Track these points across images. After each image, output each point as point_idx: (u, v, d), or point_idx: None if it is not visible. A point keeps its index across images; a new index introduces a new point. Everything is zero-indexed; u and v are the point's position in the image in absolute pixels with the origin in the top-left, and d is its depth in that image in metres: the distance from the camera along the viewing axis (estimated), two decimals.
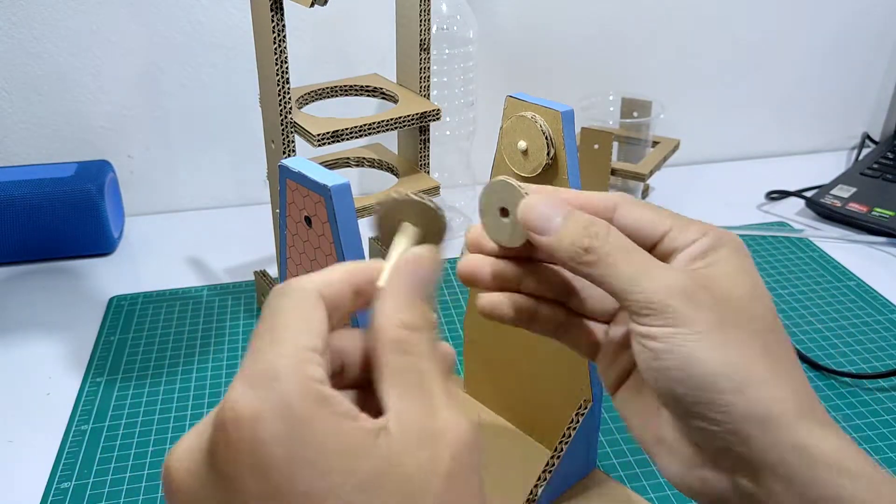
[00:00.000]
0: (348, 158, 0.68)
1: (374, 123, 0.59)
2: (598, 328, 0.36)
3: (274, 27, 0.53)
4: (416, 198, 0.31)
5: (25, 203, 0.77)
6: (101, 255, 0.82)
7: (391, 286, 0.28)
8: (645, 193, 0.96)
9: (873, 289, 0.76)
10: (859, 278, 0.78)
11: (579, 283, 0.36)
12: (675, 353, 0.30)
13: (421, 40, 0.61)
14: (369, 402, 0.26)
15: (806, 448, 0.28)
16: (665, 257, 0.33)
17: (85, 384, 0.64)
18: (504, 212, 0.34)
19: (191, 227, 0.89)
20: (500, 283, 0.35)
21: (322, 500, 0.22)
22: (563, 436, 0.49)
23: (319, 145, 0.57)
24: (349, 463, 0.23)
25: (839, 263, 0.81)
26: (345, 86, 0.65)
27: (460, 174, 0.88)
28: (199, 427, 0.25)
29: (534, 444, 0.55)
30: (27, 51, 0.82)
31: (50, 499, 0.53)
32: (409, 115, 0.60)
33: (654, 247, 0.33)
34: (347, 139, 0.58)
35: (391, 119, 0.59)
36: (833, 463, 0.28)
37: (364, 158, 0.68)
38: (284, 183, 0.36)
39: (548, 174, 0.45)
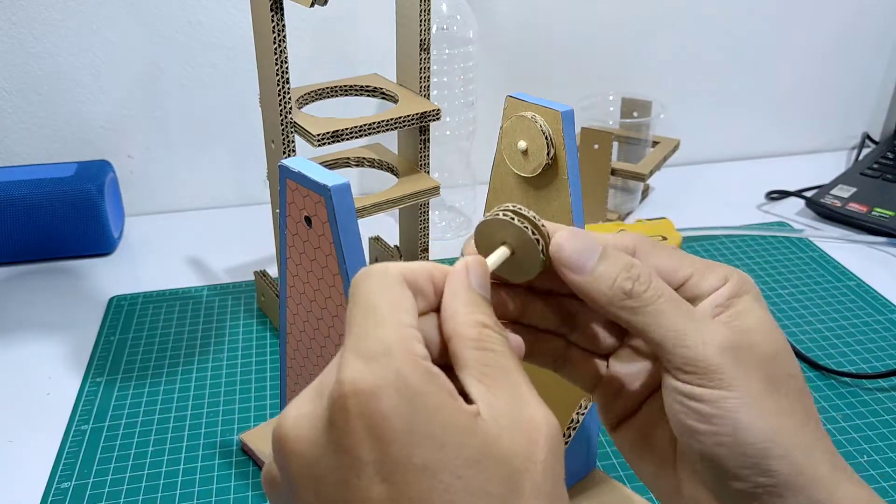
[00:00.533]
0: (348, 158, 0.68)
1: (374, 123, 0.59)
2: (598, 362, 0.35)
3: (274, 27, 0.53)
4: (522, 227, 0.30)
5: (25, 203, 0.77)
6: (101, 255, 0.82)
7: (454, 286, 0.28)
8: (645, 193, 0.96)
9: (873, 289, 0.76)
10: (859, 278, 0.78)
11: (584, 316, 0.34)
12: (725, 420, 0.29)
13: (421, 40, 0.60)
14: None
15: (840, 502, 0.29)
16: (690, 302, 0.31)
17: (85, 384, 0.64)
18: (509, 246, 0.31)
19: (191, 227, 0.89)
20: (499, 314, 0.32)
21: (436, 473, 0.23)
22: (563, 435, 0.49)
23: (319, 145, 0.57)
24: (460, 438, 0.24)
25: (839, 263, 0.81)
26: (345, 86, 0.65)
27: (460, 174, 0.88)
28: (310, 395, 0.26)
29: None
30: (27, 51, 0.82)
31: (50, 499, 0.53)
32: (409, 115, 0.60)
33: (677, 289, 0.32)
34: (347, 139, 0.58)
35: (391, 119, 0.60)
36: None
37: (364, 158, 0.68)
38: (284, 183, 0.36)
39: (548, 174, 0.45)
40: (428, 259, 0.70)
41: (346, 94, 0.66)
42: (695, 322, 0.30)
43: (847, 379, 0.64)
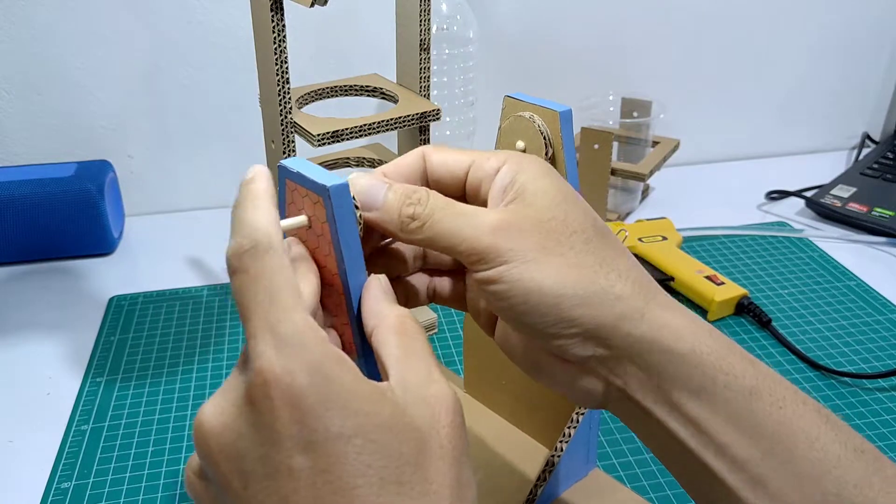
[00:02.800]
0: (348, 158, 0.68)
1: (374, 123, 0.59)
2: (457, 282, 0.39)
3: (274, 27, 0.53)
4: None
5: (25, 203, 0.77)
6: (101, 255, 0.82)
7: (381, 292, 0.33)
8: (645, 193, 0.96)
9: (873, 289, 0.76)
10: (859, 278, 0.78)
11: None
12: (512, 289, 0.32)
13: (421, 40, 0.60)
14: None
15: (655, 338, 0.32)
16: (476, 192, 0.35)
17: (85, 384, 0.64)
18: None
19: (191, 227, 0.89)
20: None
21: (350, 438, 0.26)
22: (563, 435, 0.49)
23: (319, 145, 0.57)
24: (371, 407, 0.27)
25: (839, 263, 0.81)
26: (345, 86, 0.65)
27: None
28: (224, 388, 0.28)
29: (533, 444, 0.55)
30: (27, 51, 0.82)
31: (50, 499, 0.53)
32: (409, 115, 0.60)
33: (464, 185, 0.36)
34: (347, 139, 0.58)
35: (391, 119, 0.60)
36: (678, 334, 0.32)
37: (364, 158, 0.68)
38: (283, 183, 0.36)
39: None
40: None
41: (346, 94, 0.66)
42: (466, 217, 0.33)
43: (847, 379, 0.64)
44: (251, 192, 0.31)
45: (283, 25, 0.53)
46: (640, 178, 0.87)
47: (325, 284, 0.37)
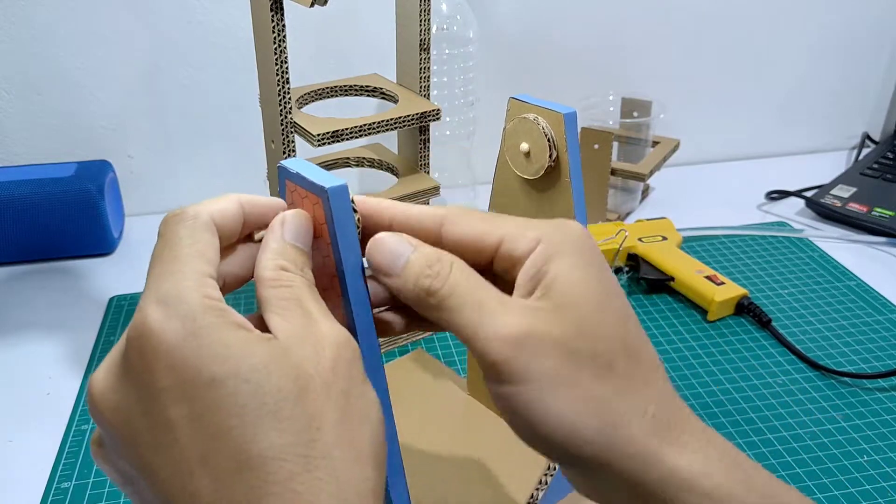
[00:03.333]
0: (348, 158, 0.68)
1: (374, 123, 0.59)
2: None
3: (274, 27, 0.53)
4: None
5: (25, 203, 0.77)
6: (101, 255, 0.82)
7: (267, 239, 0.31)
8: (645, 193, 0.96)
9: (873, 289, 0.76)
10: (859, 278, 0.78)
11: None
12: (523, 412, 0.29)
13: (421, 40, 0.60)
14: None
15: (665, 485, 0.28)
16: (510, 269, 0.31)
17: (85, 384, 0.64)
18: None
19: None
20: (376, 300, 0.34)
21: (223, 381, 0.26)
22: None
23: (319, 145, 0.57)
24: (246, 349, 0.26)
25: (839, 263, 0.81)
26: (345, 86, 0.65)
27: (460, 174, 0.88)
28: (112, 352, 0.28)
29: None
30: (27, 51, 0.82)
31: (50, 499, 0.53)
32: (409, 115, 0.60)
33: (492, 260, 0.31)
34: (347, 139, 0.58)
35: (391, 119, 0.60)
36: (690, 483, 0.28)
37: (364, 158, 0.68)
38: (283, 184, 0.36)
39: (550, 176, 0.45)
40: None
41: (346, 94, 0.66)
42: (485, 314, 0.29)
43: (847, 379, 0.64)
44: (222, 197, 0.33)
45: (283, 25, 0.53)
46: (640, 178, 0.87)
47: (324, 286, 0.37)
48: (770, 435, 0.58)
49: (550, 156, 0.44)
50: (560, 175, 0.45)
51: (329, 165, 0.68)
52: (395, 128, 0.60)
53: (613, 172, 0.87)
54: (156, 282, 0.28)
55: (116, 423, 0.27)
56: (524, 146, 0.45)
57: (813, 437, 0.58)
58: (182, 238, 0.30)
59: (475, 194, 0.90)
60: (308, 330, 0.28)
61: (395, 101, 0.63)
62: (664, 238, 0.79)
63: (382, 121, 0.59)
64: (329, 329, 0.29)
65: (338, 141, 0.58)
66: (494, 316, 0.29)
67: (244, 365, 0.26)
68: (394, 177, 0.66)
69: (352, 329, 0.36)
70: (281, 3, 0.52)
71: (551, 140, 0.44)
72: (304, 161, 0.36)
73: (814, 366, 0.65)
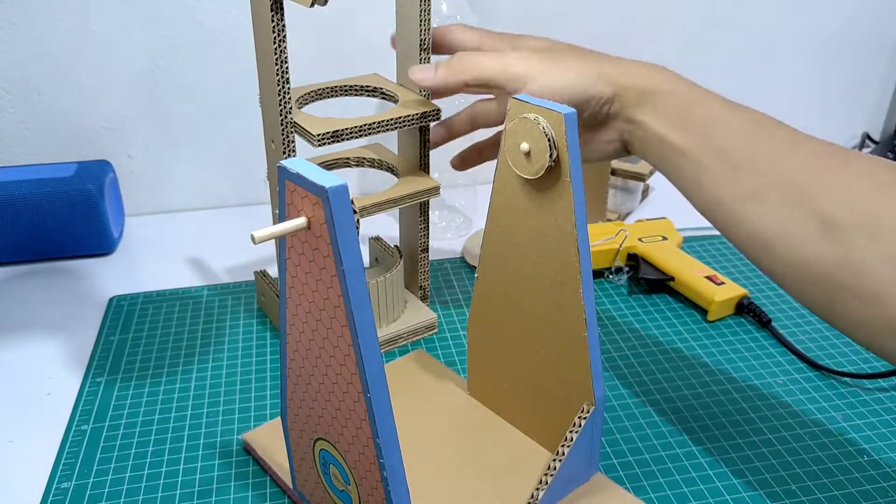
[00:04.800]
0: (348, 158, 0.68)
1: (374, 123, 0.59)
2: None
3: (274, 27, 0.53)
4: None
5: (25, 203, 0.77)
6: (101, 255, 0.83)
7: None
8: (645, 193, 0.96)
9: None
10: None
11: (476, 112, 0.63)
12: (542, 93, 0.52)
13: (421, 40, 0.60)
14: None
15: (641, 89, 0.53)
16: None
17: (85, 384, 0.64)
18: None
19: (191, 228, 0.89)
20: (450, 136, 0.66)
21: None
22: (566, 439, 0.49)
23: (319, 145, 0.57)
24: None
25: None
26: (345, 86, 0.65)
27: (460, 174, 0.87)
28: None
29: (535, 447, 0.55)
30: (27, 51, 0.82)
31: (50, 499, 0.53)
32: (409, 115, 0.60)
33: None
34: (347, 139, 0.58)
35: (391, 119, 0.60)
36: (655, 84, 0.54)
37: (364, 158, 0.68)
38: (283, 184, 0.36)
39: (551, 176, 0.45)
40: (427, 259, 0.70)
41: (346, 94, 0.66)
42: (499, 58, 0.55)
43: (847, 379, 0.64)
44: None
45: (284, 25, 0.53)
46: (640, 178, 0.87)
47: (324, 287, 0.37)
48: (770, 435, 0.58)
49: (551, 156, 0.44)
50: (560, 175, 0.45)
51: (329, 165, 0.68)
52: (396, 128, 0.60)
53: (613, 172, 0.86)
54: None
55: None
56: (524, 146, 0.45)
57: (813, 437, 0.58)
58: None
59: (475, 194, 0.90)
60: None
61: (396, 102, 0.63)
62: (664, 238, 0.79)
63: (383, 121, 0.59)
64: None
65: (338, 141, 0.58)
66: (505, 58, 0.55)
67: None
68: (394, 177, 0.66)
69: (351, 328, 0.36)
70: (281, 3, 0.52)
71: (551, 140, 0.44)
72: (304, 161, 0.36)
73: (814, 366, 0.65)
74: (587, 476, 0.52)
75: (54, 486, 0.54)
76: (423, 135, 0.65)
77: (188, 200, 0.93)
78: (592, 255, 0.75)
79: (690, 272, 0.74)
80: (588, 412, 0.49)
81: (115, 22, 0.82)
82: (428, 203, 0.68)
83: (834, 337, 0.69)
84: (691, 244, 0.84)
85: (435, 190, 0.64)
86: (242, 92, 0.87)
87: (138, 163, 0.90)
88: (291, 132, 0.58)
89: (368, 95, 0.66)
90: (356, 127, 0.58)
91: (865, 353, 0.67)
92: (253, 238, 0.34)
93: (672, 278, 0.74)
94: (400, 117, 0.60)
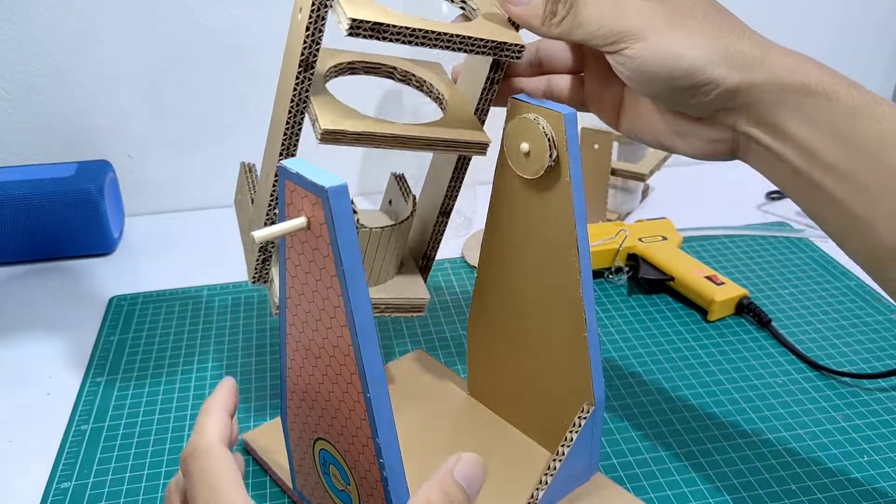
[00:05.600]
0: (394, 68, 0.53)
1: (429, 32, 0.43)
2: (575, 81, 0.48)
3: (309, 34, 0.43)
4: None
5: (25, 203, 0.77)
6: (101, 255, 0.83)
7: (444, 471, 0.35)
8: (645, 193, 0.96)
9: (873, 289, 0.76)
10: (859, 278, 0.78)
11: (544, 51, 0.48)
12: (653, 60, 0.39)
13: None
14: None
15: (773, 79, 0.39)
16: None
17: (85, 384, 0.64)
18: None
19: (191, 227, 0.89)
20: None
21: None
22: (565, 440, 0.49)
23: (352, 32, 0.41)
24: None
25: (839, 263, 0.81)
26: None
27: None
28: None
29: (535, 447, 0.55)
30: (27, 51, 0.82)
31: (50, 499, 0.53)
32: (482, 39, 0.44)
33: None
34: (395, 40, 0.42)
35: (458, 35, 0.43)
36: (794, 74, 0.39)
37: (412, 74, 0.53)
38: (283, 183, 0.36)
39: (550, 176, 0.45)
40: (445, 224, 0.56)
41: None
42: (602, 6, 0.40)
43: (847, 379, 0.64)
44: (207, 404, 0.40)
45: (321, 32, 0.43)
46: (640, 178, 0.87)
47: (324, 287, 0.37)
48: (770, 435, 0.58)
49: (550, 155, 0.44)
50: (560, 175, 0.45)
51: (369, 68, 0.53)
52: (460, 49, 0.44)
53: (613, 172, 0.86)
54: None
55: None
56: (524, 146, 0.45)
57: (813, 437, 0.58)
58: (216, 472, 0.37)
59: (475, 194, 0.90)
60: None
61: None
62: (664, 238, 0.79)
63: (444, 33, 0.43)
64: None
65: (379, 37, 0.42)
66: (610, 7, 0.40)
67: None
68: (439, 110, 0.53)
69: (351, 328, 0.36)
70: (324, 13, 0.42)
71: (551, 140, 0.44)
72: (304, 161, 0.36)
73: (814, 366, 0.65)
74: (587, 476, 0.52)
75: (54, 486, 0.54)
76: (494, 73, 0.49)
77: (188, 200, 0.93)
78: (592, 255, 0.75)
79: (690, 272, 0.74)
80: (588, 412, 0.49)
81: (116, 22, 0.82)
82: (468, 161, 0.53)
83: (834, 337, 0.69)
84: (691, 244, 0.84)
85: (482, 146, 0.49)
86: (242, 92, 0.87)
87: (138, 163, 0.90)
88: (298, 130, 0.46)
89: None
90: (407, 28, 0.42)
91: (865, 353, 0.67)
92: (253, 238, 0.34)
93: (672, 278, 0.74)
94: (470, 37, 0.44)
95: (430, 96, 0.53)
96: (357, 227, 0.41)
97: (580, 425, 0.49)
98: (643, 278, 0.75)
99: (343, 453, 0.42)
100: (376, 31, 0.41)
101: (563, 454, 0.49)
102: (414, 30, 0.42)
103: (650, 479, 0.54)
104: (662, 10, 0.39)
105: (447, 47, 0.44)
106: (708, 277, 0.73)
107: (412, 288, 0.55)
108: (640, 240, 0.79)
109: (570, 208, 0.45)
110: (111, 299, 0.75)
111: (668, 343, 0.69)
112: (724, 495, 0.52)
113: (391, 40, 0.42)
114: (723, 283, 0.72)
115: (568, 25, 0.41)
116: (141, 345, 0.68)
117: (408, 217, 0.53)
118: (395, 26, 0.41)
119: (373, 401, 0.37)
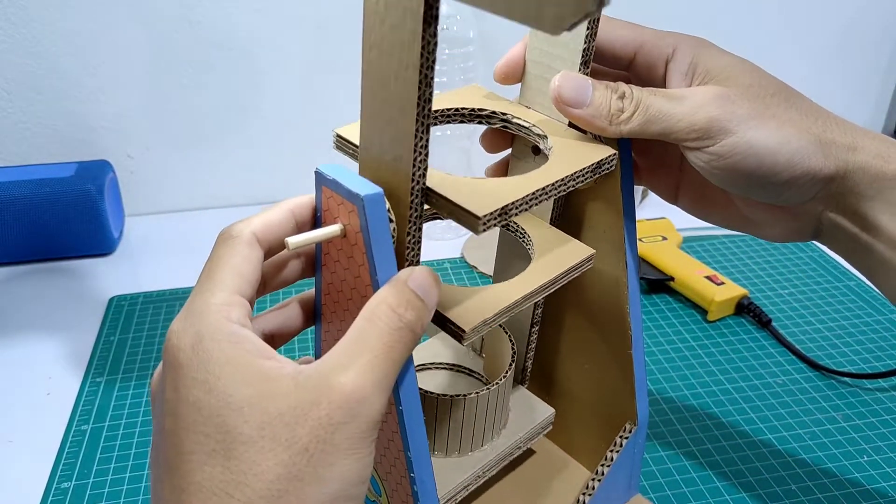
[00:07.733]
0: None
1: (539, 191, 0.36)
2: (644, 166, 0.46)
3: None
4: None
5: (25, 203, 0.77)
6: (101, 255, 0.82)
7: (395, 279, 0.32)
8: (645, 193, 0.96)
9: (873, 289, 0.76)
10: (859, 278, 0.78)
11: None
12: (743, 156, 0.36)
13: (585, 48, 0.51)
14: None
15: (866, 167, 0.37)
16: (647, 75, 0.39)
17: (85, 384, 0.64)
18: None
19: (191, 227, 0.89)
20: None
21: (200, 409, 0.28)
22: (605, 459, 0.47)
23: (484, 229, 0.35)
24: (235, 386, 0.27)
25: (839, 263, 0.81)
26: (448, 110, 0.45)
27: (462, 170, 0.87)
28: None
29: (575, 465, 0.52)
30: (27, 51, 0.82)
31: (50, 499, 0.53)
32: (582, 170, 0.38)
33: (629, 64, 0.40)
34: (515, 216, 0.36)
35: (558, 181, 0.36)
36: (887, 163, 0.36)
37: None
38: (320, 189, 0.35)
39: (605, 183, 0.44)
40: (536, 334, 0.49)
41: (452, 121, 0.45)
42: (677, 99, 0.36)
43: (847, 379, 0.64)
44: (273, 207, 0.34)
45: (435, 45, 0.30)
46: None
47: (359, 296, 0.36)
48: (770, 435, 0.58)
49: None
50: (613, 182, 0.43)
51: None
52: (564, 191, 0.37)
53: None
54: (193, 294, 0.30)
55: (154, 387, 0.32)
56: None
57: (813, 437, 0.58)
58: (221, 256, 0.31)
59: None
60: (330, 378, 0.28)
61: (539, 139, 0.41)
62: (664, 238, 0.79)
63: (554, 183, 0.36)
64: (351, 385, 0.28)
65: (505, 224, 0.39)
66: (686, 97, 0.36)
67: (222, 401, 0.27)
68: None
69: None
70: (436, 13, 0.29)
71: None
72: (342, 167, 0.35)
73: (814, 366, 0.65)
74: (626, 497, 0.50)
75: (54, 486, 0.54)
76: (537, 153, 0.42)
77: (188, 200, 0.93)
78: None
79: (690, 272, 0.74)
80: (630, 432, 0.47)
81: (115, 22, 0.82)
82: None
83: (834, 337, 0.69)
84: (691, 244, 0.84)
85: (588, 260, 0.41)
86: (242, 92, 0.87)
87: (138, 163, 0.90)
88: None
89: (486, 123, 0.45)
90: (523, 199, 0.35)
91: (865, 353, 0.67)
92: (287, 244, 0.33)
93: (672, 278, 0.74)
94: (565, 177, 0.37)
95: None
96: (461, 396, 0.42)
97: (622, 445, 0.47)
98: (643, 278, 0.75)
99: (375, 465, 0.41)
100: (504, 214, 0.35)
101: (603, 474, 0.47)
102: (525, 197, 0.35)
103: (650, 479, 0.54)
104: (742, 98, 0.36)
105: (552, 196, 0.37)
106: (708, 277, 0.73)
107: (530, 408, 0.48)
108: (640, 240, 0.79)
109: (621, 222, 0.43)
110: (111, 299, 0.75)
111: (668, 343, 0.69)
112: (724, 495, 0.52)
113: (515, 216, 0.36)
114: (723, 283, 0.72)
115: (640, 120, 0.36)
116: (141, 345, 0.68)
117: (510, 361, 0.46)
118: (515, 204, 0.35)
119: (405, 413, 0.36)
